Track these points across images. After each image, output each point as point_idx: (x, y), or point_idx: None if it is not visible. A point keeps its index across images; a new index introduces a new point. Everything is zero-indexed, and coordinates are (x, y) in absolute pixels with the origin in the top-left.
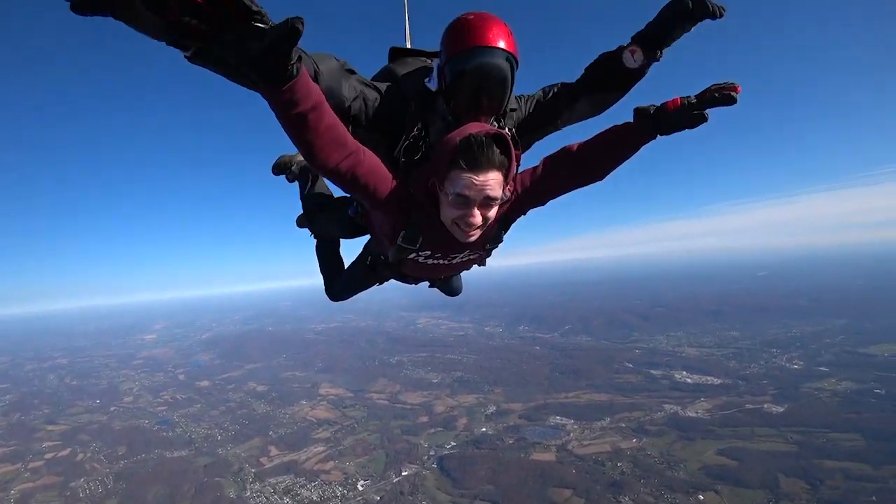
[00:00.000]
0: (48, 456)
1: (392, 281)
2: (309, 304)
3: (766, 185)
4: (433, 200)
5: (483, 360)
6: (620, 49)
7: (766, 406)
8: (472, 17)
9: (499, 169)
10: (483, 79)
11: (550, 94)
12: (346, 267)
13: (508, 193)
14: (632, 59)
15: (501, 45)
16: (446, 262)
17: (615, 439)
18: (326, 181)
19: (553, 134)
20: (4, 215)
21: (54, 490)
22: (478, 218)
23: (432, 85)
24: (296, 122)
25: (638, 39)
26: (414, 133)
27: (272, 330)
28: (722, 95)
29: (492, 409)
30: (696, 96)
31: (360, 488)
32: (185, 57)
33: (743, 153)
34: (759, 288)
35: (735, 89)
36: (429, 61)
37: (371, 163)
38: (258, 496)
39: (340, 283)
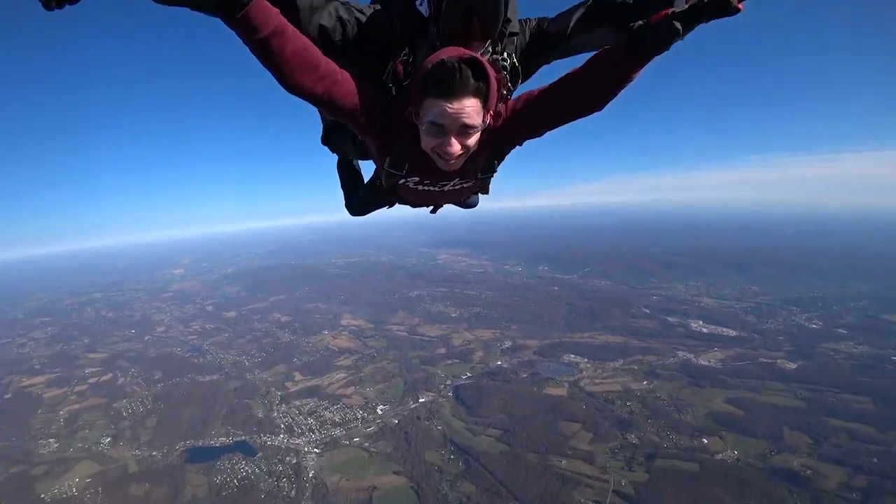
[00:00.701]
0: (91, 380)
1: (410, 218)
2: (330, 240)
3: (807, 139)
4: (414, 128)
5: (501, 297)
6: None
7: (779, 361)
8: None
9: (474, 95)
10: (473, 1)
11: (558, 16)
12: (364, 183)
13: (490, 120)
14: (683, 3)
15: None
16: (437, 188)
17: (626, 380)
18: None
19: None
20: (40, 159)
21: (100, 410)
22: (455, 147)
23: (424, 9)
24: (258, 48)
25: None
26: (402, 59)
27: (294, 264)
28: (718, 2)
29: (507, 344)
30: (688, 1)
31: (380, 412)
32: None
33: (787, 104)
34: (787, 245)
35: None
36: None
37: (348, 88)
38: (284, 416)
39: (358, 199)
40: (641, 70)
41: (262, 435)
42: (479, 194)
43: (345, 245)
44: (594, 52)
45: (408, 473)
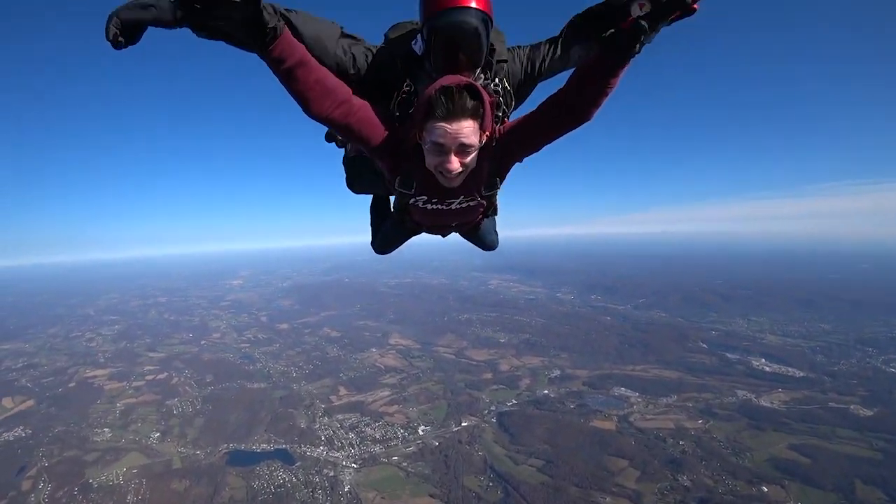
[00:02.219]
0: (148, 377)
1: (462, 243)
2: (383, 259)
3: (884, 165)
4: (419, 149)
5: (552, 324)
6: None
7: (852, 407)
8: None
9: (472, 117)
10: (454, 36)
11: (544, 43)
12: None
13: (485, 139)
14: (638, 10)
15: (472, 3)
16: (444, 207)
17: (680, 417)
18: None
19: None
20: (117, 168)
21: (153, 406)
22: (455, 164)
23: (418, 48)
24: (285, 77)
25: None
26: (405, 90)
27: (348, 281)
28: (674, 2)
29: (556, 372)
30: (652, 3)
31: (421, 433)
32: (195, 33)
33: (861, 128)
34: (860, 280)
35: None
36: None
37: (364, 113)
38: (326, 429)
39: (381, 236)
40: (621, 75)
41: (302, 445)
42: (490, 216)
43: (398, 266)
44: (579, 66)
45: (444, 497)
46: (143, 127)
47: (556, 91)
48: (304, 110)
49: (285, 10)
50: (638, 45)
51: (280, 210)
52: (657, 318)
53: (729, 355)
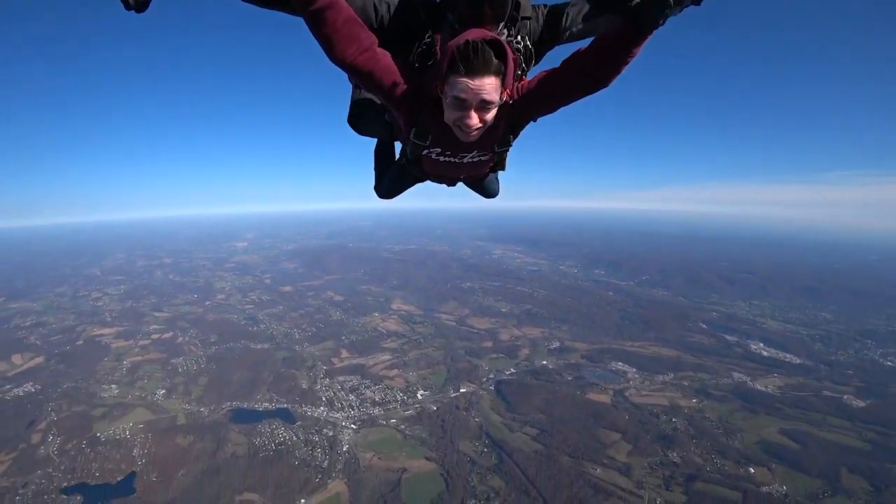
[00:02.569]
0: (154, 336)
1: (467, 212)
2: (388, 226)
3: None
4: (438, 102)
5: (554, 296)
6: None
7: (845, 397)
8: None
9: (495, 74)
10: None
11: (570, 6)
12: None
13: (506, 97)
14: None
15: None
16: (457, 160)
17: (674, 395)
18: None
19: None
20: (122, 129)
21: (158, 364)
22: (474, 119)
23: None
24: (314, 18)
25: None
26: (426, 40)
27: (352, 246)
28: None
29: (555, 344)
30: None
31: (420, 397)
32: None
33: (876, 119)
34: (867, 272)
35: None
36: None
37: (385, 62)
38: (327, 390)
39: (386, 181)
40: (642, 45)
41: (303, 405)
42: (498, 171)
43: (402, 232)
44: (601, 33)
45: (439, 460)
46: (152, 87)
47: (575, 53)
48: (328, 54)
49: None
50: (662, 19)
51: (286, 174)
52: (659, 296)
53: (728, 337)
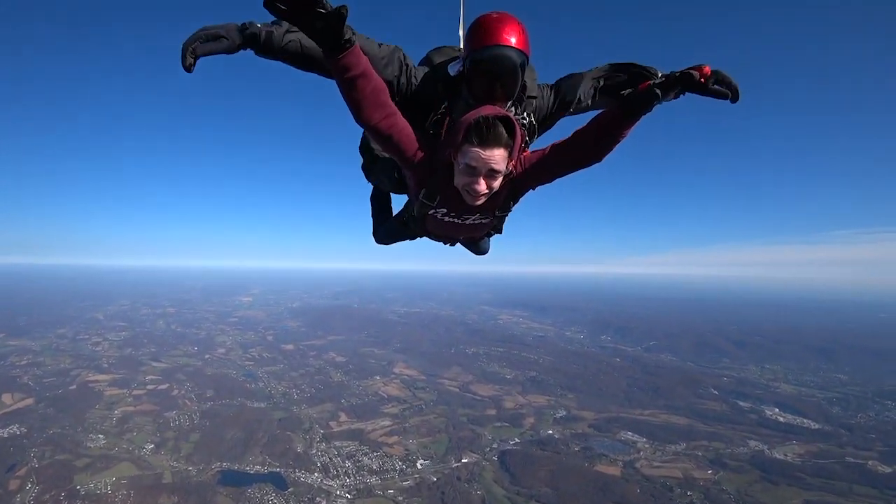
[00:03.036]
0: (149, 387)
1: (472, 276)
2: (394, 288)
3: None
4: (450, 167)
5: (560, 363)
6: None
7: (870, 463)
8: (491, 16)
9: (504, 146)
10: (495, 69)
11: (569, 84)
12: (392, 216)
13: (511, 168)
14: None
15: (513, 42)
16: (460, 221)
17: (688, 466)
18: None
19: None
20: (138, 177)
21: (150, 416)
22: (482, 186)
23: (453, 70)
24: (348, 84)
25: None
26: (441, 110)
27: (357, 307)
28: (682, 73)
29: (561, 413)
30: (665, 76)
31: (419, 466)
32: (258, 54)
33: (880, 176)
34: (879, 330)
35: (700, 70)
36: (460, 51)
37: (404, 127)
38: (323, 455)
39: (385, 228)
40: (632, 128)
41: (297, 470)
42: (493, 234)
43: (408, 294)
44: (595, 113)
45: None
46: (168, 134)
47: (574, 133)
48: (355, 116)
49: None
50: (650, 108)
51: (296, 231)
52: (667, 361)
53: (741, 403)
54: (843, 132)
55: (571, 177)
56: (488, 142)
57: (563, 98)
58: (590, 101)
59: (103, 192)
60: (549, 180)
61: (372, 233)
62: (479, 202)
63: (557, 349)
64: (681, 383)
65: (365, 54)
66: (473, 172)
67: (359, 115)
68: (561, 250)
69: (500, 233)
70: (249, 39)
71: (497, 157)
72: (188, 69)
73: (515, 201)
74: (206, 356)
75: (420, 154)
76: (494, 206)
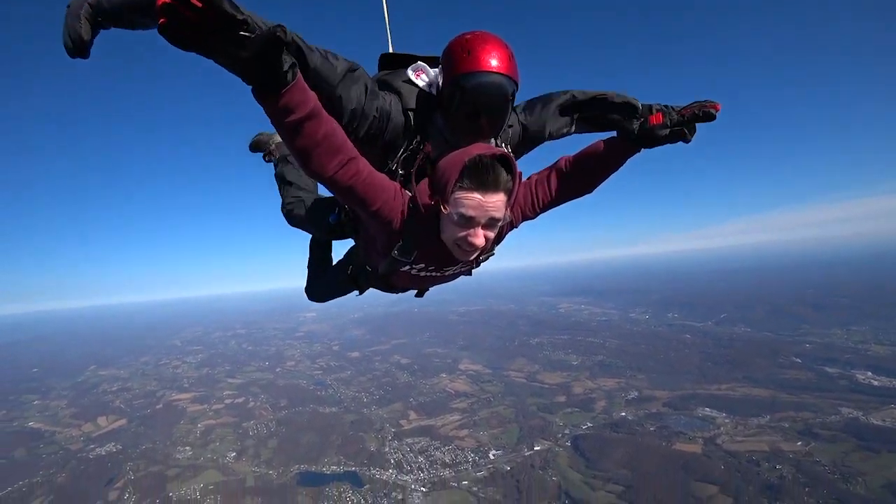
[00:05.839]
0: (227, 401)
1: (530, 269)
2: (451, 290)
3: None
4: (432, 218)
5: (627, 345)
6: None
7: None
8: (472, 38)
9: (504, 191)
10: (483, 103)
11: (540, 110)
12: (331, 268)
13: (510, 215)
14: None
15: (502, 69)
16: (439, 274)
17: (775, 439)
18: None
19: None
20: (203, 209)
21: (230, 427)
22: (480, 239)
23: (431, 89)
24: (290, 130)
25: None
26: (412, 146)
27: (417, 311)
28: (703, 112)
29: (633, 394)
30: (678, 112)
31: (492, 457)
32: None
33: None
34: None
35: (715, 107)
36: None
37: (369, 173)
38: (396, 452)
39: (321, 284)
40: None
41: (371, 468)
42: (466, 276)
43: (464, 294)
44: (592, 144)
45: None
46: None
47: (560, 163)
48: (302, 167)
49: (300, 41)
50: (661, 143)
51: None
52: (741, 333)
53: (828, 369)
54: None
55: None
56: (488, 186)
57: (531, 136)
58: (557, 133)
59: (164, 231)
60: (534, 216)
61: (305, 288)
62: (473, 256)
63: (623, 331)
64: (759, 354)
65: (316, 76)
66: (469, 223)
67: (308, 167)
68: (611, 233)
69: (470, 276)
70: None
71: (498, 203)
72: (75, 39)
73: (500, 243)
74: (278, 369)
75: (393, 204)
76: (481, 253)
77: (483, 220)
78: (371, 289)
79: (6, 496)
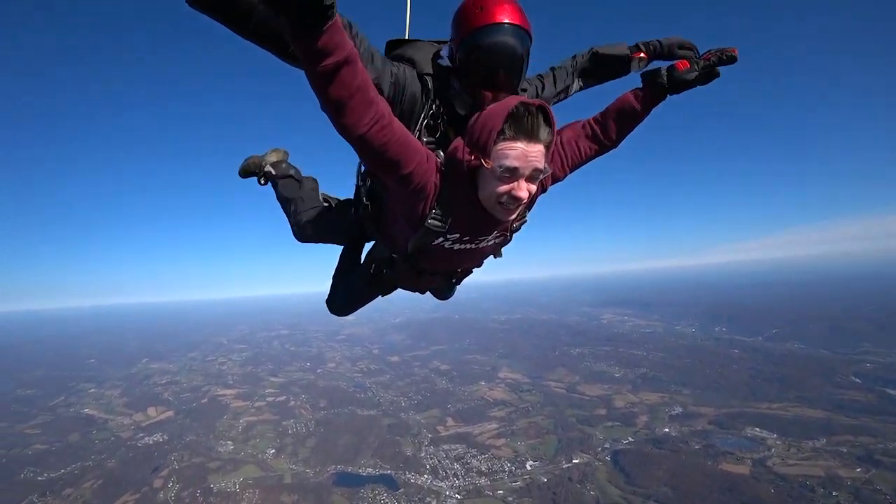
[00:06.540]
0: (269, 399)
1: (570, 278)
2: (493, 297)
3: None
4: (469, 179)
5: (671, 358)
6: (629, 58)
7: None
8: None
9: (544, 142)
10: (498, 54)
11: (556, 75)
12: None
13: (549, 167)
14: (637, 66)
15: (515, 20)
16: (473, 246)
17: (831, 464)
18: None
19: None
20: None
21: (270, 425)
22: (524, 191)
23: (443, 62)
24: (327, 75)
25: (648, 50)
26: (433, 111)
27: (458, 318)
28: (726, 56)
29: (677, 410)
30: (702, 56)
31: (529, 468)
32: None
33: None
34: None
35: (733, 51)
36: (437, 44)
37: (402, 131)
38: (431, 458)
39: (342, 291)
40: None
41: (407, 472)
42: (496, 257)
43: (506, 303)
44: (617, 99)
45: None
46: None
47: (585, 121)
48: (336, 123)
49: None
50: (687, 88)
51: None
52: (795, 350)
53: (890, 391)
54: None
55: (655, 162)
56: (533, 134)
57: (545, 98)
58: (567, 92)
59: (218, 234)
60: (562, 178)
61: (326, 300)
62: (514, 215)
63: (668, 344)
64: (814, 373)
65: None
66: (514, 175)
67: (343, 121)
68: (659, 244)
69: (500, 255)
70: None
71: (539, 154)
72: None
73: (530, 209)
74: (318, 370)
75: (425, 167)
76: (515, 219)
77: (527, 172)
78: (398, 290)
79: (59, 477)
